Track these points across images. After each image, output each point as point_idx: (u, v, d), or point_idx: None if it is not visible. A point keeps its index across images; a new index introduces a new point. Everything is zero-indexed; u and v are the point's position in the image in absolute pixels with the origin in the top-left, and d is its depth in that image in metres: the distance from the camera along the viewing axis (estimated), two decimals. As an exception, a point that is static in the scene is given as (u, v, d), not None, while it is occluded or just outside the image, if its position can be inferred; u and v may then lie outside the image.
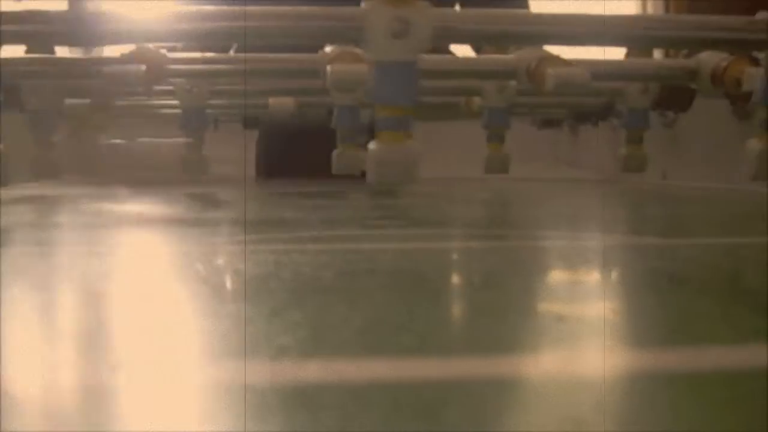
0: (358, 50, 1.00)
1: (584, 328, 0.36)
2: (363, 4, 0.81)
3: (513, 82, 1.14)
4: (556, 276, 0.52)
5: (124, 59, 1.04)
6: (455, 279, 0.51)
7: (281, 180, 1.68)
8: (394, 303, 0.41)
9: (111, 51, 1.15)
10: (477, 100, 1.37)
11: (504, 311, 0.39)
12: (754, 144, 0.96)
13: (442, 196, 1.34)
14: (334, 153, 1.29)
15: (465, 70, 1.15)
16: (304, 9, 0.85)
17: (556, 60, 0.96)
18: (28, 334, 0.35)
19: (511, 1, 1.52)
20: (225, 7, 0.88)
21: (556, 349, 0.32)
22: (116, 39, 0.91)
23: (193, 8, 0.90)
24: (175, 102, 1.36)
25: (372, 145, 0.82)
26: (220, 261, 0.55)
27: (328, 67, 0.95)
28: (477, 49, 1.35)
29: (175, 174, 1.86)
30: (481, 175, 1.50)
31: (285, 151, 1.77)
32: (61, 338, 0.34)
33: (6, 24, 0.82)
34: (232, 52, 1.32)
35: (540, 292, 0.46)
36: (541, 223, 0.89)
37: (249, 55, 1.21)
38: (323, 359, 0.31)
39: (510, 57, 1.02)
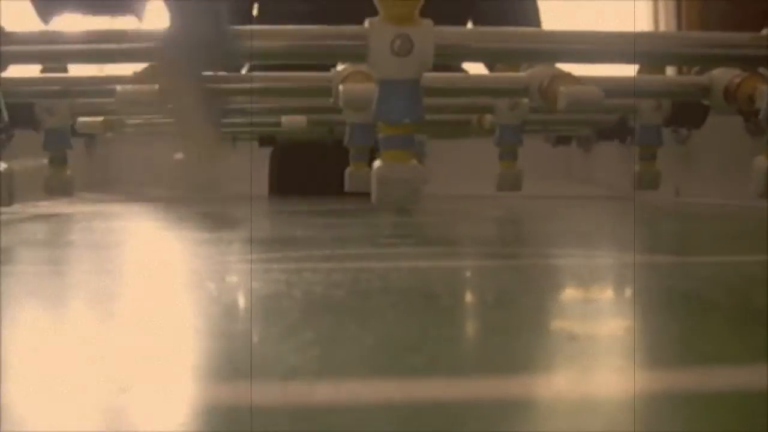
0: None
1: (598, 347, 0.36)
2: (366, 23, 0.81)
3: (525, 100, 1.14)
4: (571, 294, 0.52)
5: (136, 78, 1.04)
6: (468, 298, 0.50)
7: (294, 198, 1.68)
8: (406, 322, 0.41)
9: (123, 70, 1.16)
10: (489, 118, 1.37)
11: (517, 330, 0.39)
12: (761, 161, 0.96)
13: (454, 213, 1.34)
14: (347, 171, 1.29)
15: (476, 87, 1.16)
16: (310, 28, 0.86)
17: (568, 78, 0.96)
18: (33, 354, 0.35)
19: (522, 18, 1.52)
20: (234, 27, 0.88)
21: (570, 369, 0.32)
22: (130, 57, 0.91)
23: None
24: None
25: (376, 164, 0.82)
26: (232, 279, 0.55)
27: (340, 86, 0.96)
28: (490, 67, 1.35)
29: (187, 192, 1.86)
30: (494, 192, 1.50)
31: (297, 169, 1.77)
32: (67, 358, 0.34)
33: (18, 44, 0.83)
34: (243, 71, 1.32)
35: (553, 311, 0.46)
36: (555, 241, 0.88)
37: (261, 74, 1.22)
38: (334, 380, 0.30)
39: (522, 75, 1.02)
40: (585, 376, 0.31)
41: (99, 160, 1.97)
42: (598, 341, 0.37)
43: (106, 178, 1.99)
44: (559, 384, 0.30)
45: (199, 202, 1.57)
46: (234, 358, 0.34)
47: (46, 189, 1.30)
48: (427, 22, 0.78)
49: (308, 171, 1.75)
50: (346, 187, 1.28)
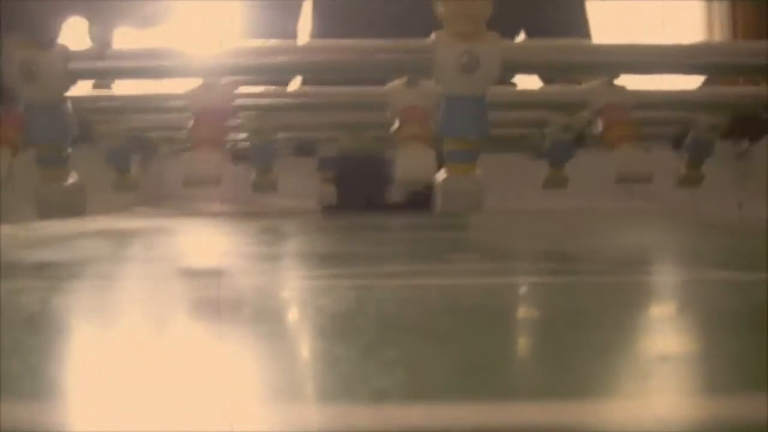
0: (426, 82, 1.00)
1: (692, 368, 0.35)
2: (432, 37, 0.81)
3: (583, 114, 1.13)
4: (650, 312, 0.51)
5: (190, 94, 1.05)
6: (543, 316, 0.49)
7: (347, 212, 1.68)
8: (485, 342, 0.40)
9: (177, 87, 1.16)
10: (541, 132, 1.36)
11: (601, 350, 0.38)
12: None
13: (509, 228, 1.33)
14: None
15: (533, 101, 1.15)
16: (372, 42, 0.85)
17: (623, 111, 0.96)
18: (95, 372, 0.35)
19: (574, 29, 1.51)
20: (293, 42, 0.89)
21: (667, 393, 0.31)
22: (184, 74, 0.92)
23: (262, 43, 0.91)
24: (243, 135, 1.37)
25: (440, 176, 0.84)
26: (302, 296, 0.55)
27: (397, 159, 0.95)
28: (545, 79, 1.34)
29: (241, 206, 1.87)
30: (545, 206, 1.49)
31: (350, 184, 1.77)
32: (131, 375, 0.34)
33: (78, 62, 0.84)
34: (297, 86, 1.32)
35: (636, 330, 0.45)
36: (620, 257, 0.87)
37: (316, 88, 1.22)
38: (423, 403, 0.30)
39: (582, 89, 1.02)
40: (686, 400, 0.30)
41: (154, 176, 1.98)
42: (690, 362, 0.36)
43: (162, 193, 2.01)
44: (660, 409, 0.30)
45: (252, 216, 1.57)
46: (319, 379, 0.33)
47: (106, 203, 1.31)
48: (493, 37, 0.78)
49: (360, 185, 1.75)
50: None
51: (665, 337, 0.43)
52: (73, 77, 0.83)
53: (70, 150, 0.91)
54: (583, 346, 0.40)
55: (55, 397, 0.30)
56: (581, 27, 1.64)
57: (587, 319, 0.47)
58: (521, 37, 1.56)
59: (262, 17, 1.58)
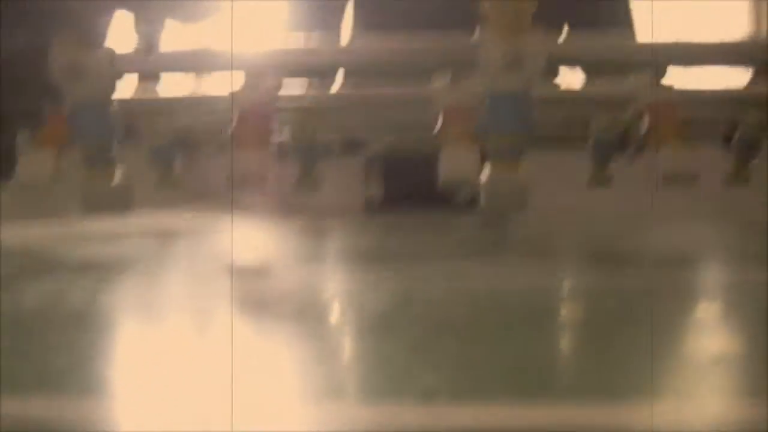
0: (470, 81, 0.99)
1: (746, 371, 0.34)
2: (476, 35, 0.80)
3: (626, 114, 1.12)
4: (702, 313, 0.50)
5: (234, 93, 1.05)
6: (593, 317, 0.49)
7: (390, 210, 1.68)
8: (537, 343, 0.40)
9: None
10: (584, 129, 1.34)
11: (653, 352, 0.38)
12: None
13: (553, 227, 1.32)
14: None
15: (578, 98, 1.14)
16: (415, 41, 0.85)
17: (670, 111, 0.95)
18: (141, 369, 0.35)
19: (619, 22, 1.50)
20: (334, 41, 0.89)
21: (720, 395, 0.31)
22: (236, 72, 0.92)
23: (306, 39, 0.91)
24: (285, 135, 1.38)
25: (484, 175, 0.83)
26: (348, 295, 0.55)
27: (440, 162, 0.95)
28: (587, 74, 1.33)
29: (284, 204, 1.87)
30: (590, 205, 1.47)
31: (394, 181, 1.77)
32: (177, 373, 0.34)
33: (125, 61, 0.85)
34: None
35: (688, 331, 0.44)
36: (665, 256, 0.86)
37: (358, 88, 1.22)
38: (473, 403, 0.30)
39: (627, 86, 1.00)
40: (738, 403, 0.30)
41: (198, 174, 1.99)
42: (743, 364, 0.35)
43: (207, 191, 2.02)
44: (712, 412, 0.29)
45: (297, 215, 1.57)
46: (370, 379, 0.33)
47: (153, 201, 1.32)
48: (538, 33, 0.77)
49: (404, 183, 1.75)
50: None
51: (716, 339, 0.42)
52: (120, 76, 0.84)
53: (115, 149, 0.92)
54: (633, 346, 0.39)
55: (101, 395, 0.30)
56: (626, 24, 1.63)
57: (636, 320, 0.46)
58: (565, 30, 1.54)
59: (306, 10, 1.58)
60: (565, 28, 1.60)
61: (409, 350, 0.38)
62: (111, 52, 0.83)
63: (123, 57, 0.84)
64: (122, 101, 0.88)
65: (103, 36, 0.78)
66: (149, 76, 0.96)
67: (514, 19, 0.75)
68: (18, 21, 0.75)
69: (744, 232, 1.20)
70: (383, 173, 1.79)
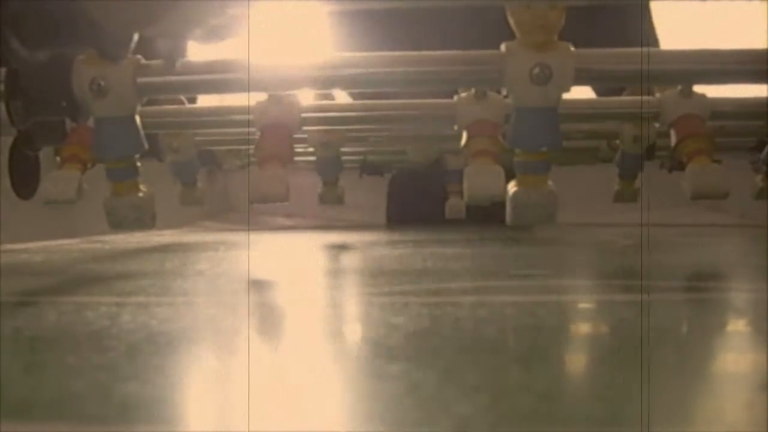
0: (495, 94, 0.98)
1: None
2: (503, 48, 0.79)
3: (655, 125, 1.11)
4: (742, 334, 0.49)
5: (256, 108, 1.05)
6: (629, 336, 0.47)
7: (413, 226, 1.67)
8: (574, 365, 0.39)
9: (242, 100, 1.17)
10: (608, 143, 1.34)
11: (695, 375, 0.36)
12: None
13: (578, 242, 1.30)
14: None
15: (605, 112, 1.12)
16: (441, 53, 0.84)
17: (699, 125, 0.94)
18: (164, 391, 0.34)
19: (642, 35, 1.48)
20: (358, 54, 0.88)
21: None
22: (249, 87, 0.91)
23: (334, 54, 0.90)
24: (309, 148, 1.38)
25: (512, 188, 0.84)
26: (374, 314, 0.54)
27: (465, 179, 0.93)
28: (597, 92, 1.33)
29: (308, 220, 1.87)
30: (612, 221, 1.45)
31: (415, 197, 1.77)
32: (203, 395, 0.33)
33: (148, 76, 0.84)
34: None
35: (731, 354, 0.43)
36: (693, 273, 0.84)
37: (380, 101, 1.22)
38: (508, 428, 0.28)
39: (654, 100, 0.99)
40: None
41: (220, 190, 2.00)
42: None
43: (227, 207, 2.02)
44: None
45: (319, 230, 1.57)
46: (394, 405, 0.32)
47: (174, 217, 1.32)
48: (566, 47, 0.76)
49: (425, 198, 1.74)
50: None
51: (744, 355, 0.41)
52: (144, 92, 0.84)
53: (139, 164, 0.92)
54: (680, 369, 0.38)
55: (121, 420, 0.29)
56: (650, 36, 1.62)
57: (679, 340, 0.45)
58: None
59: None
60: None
61: (441, 374, 0.36)
62: (134, 67, 0.83)
63: (146, 71, 0.84)
64: (144, 114, 0.88)
65: (126, 51, 0.77)
66: (175, 91, 0.96)
67: (541, 33, 0.74)
68: (41, 36, 0.74)
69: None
70: (407, 188, 1.79)
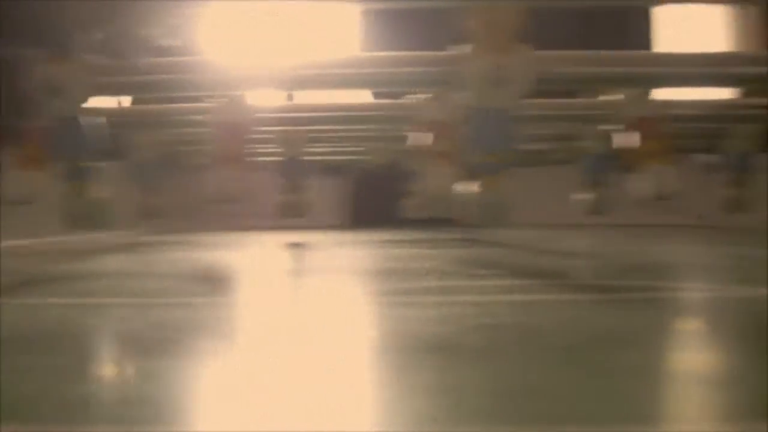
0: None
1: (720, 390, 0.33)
2: (458, 50, 0.79)
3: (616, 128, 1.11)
4: (699, 332, 0.49)
5: (212, 108, 1.05)
6: (588, 336, 0.47)
7: (368, 226, 1.67)
8: (535, 365, 0.39)
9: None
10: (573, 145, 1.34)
11: (657, 374, 0.37)
12: None
13: (534, 245, 1.30)
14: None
15: (564, 114, 1.13)
16: (399, 54, 0.84)
17: (656, 130, 0.95)
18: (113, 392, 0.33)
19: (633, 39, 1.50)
20: (320, 56, 0.88)
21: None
22: (212, 88, 0.91)
23: (294, 57, 0.90)
24: (272, 149, 1.37)
25: (467, 190, 0.84)
26: (344, 314, 0.54)
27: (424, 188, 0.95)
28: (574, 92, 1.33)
29: (267, 220, 1.86)
30: (569, 221, 1.46)
31: (370, 198, 1.77)
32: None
33: (101, 75, 0.83)
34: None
35: (681, 351, 0.43)
36: (647, 274, 0.85)
37: (340, 102, 1.22)
38: (469, 427, 0.28)
39: (613, 101, 1.00)
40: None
41: (182, 189, 1.98)
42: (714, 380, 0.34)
43: (193, 206, 2.00)
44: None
45: (277, 229, 1.56)
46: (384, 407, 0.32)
47: (135, 217, 1.31)
48: (525, 49, 0.76)
49: (381, 200, 1.75)
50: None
51: (696, 355, 0.41)
52: (96, 91, 0.83)
53: (97, 164, 0.91)
54: (636, 369, 0.38)
55: (68, 421, 0.29)
56: (643, 39, 1.64)
57: (635, 339, 0.45)
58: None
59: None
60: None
61: (398, 374, 0.36)
62: (86, 66, 0.82)
63: (99, 71, 0.83)
64: (108, 114, 0.87)
65: (80, 50, 0.76)
66: (128, 91, 0.95)
67: (498, 36, 0.74)
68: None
69: (721, 244, 1.19)
70: (361, 189, 1.79)
